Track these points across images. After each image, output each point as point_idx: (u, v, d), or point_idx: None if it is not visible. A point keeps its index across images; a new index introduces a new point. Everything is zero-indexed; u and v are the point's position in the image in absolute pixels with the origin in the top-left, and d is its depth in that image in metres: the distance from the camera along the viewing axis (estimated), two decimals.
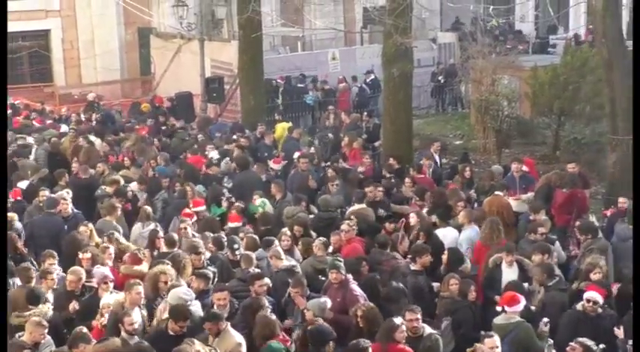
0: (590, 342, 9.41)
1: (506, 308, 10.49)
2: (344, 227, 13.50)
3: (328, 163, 18.80)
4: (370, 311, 10.52)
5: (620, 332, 10.20)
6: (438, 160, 19.12)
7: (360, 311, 10.49)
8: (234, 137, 20.85)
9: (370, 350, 9.41)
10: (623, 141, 17.75)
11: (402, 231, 13.84)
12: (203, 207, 15.13)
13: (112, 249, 12.73)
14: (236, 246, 12.77)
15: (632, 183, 17.66)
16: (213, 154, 18.89)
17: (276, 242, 12.92)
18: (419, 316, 10.18)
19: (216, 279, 11.82)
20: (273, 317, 10.46)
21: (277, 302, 11.51)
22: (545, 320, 10.50)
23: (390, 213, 14.90)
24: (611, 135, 18.14)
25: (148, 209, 14.97)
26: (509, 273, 12.25)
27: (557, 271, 12.05)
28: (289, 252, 13.04)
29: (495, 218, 13.75)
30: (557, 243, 13.39)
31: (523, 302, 10.58)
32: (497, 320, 10.55)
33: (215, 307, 10.79)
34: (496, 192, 15.35)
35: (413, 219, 14.28)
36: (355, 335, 10.44)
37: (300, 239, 13.55)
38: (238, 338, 9.92)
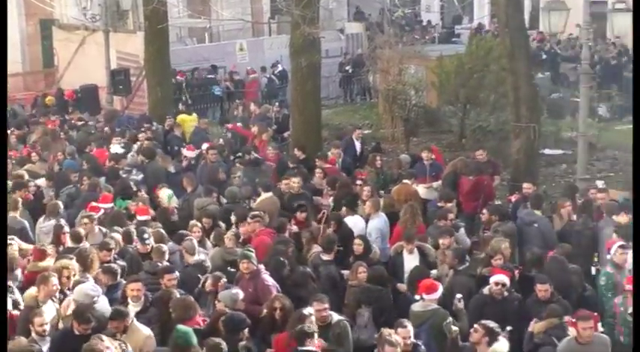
0: (493, 324, 9.56)
1: (424, 295, 10.59)
2: (251, 219, 13.38)
3: (238, 155, 18.72)
4: (287, 303, 10.55)
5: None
6: (359, 147, 19.02)
7: (277, 303, 10.52)
8: (142, 129, 20.60)
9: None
10: (526, 128, 18.15)
11: (323, 223, 13.85)
12: (111, 204, 14.89)
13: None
14: (146, 237, 12.61)
15: (534, 170, 18.22)
16: (116, 148, 18.58)
17: (191, 236, 12.77)
18: (326, 305, 10.20)
19: (124, 273, 11.66)
20: (191, 298, 10.43)
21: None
22: (459, 296, 10.67)
23: (301, 203, 14.94)
24: (515, 123, 18.51)
25: (58, 203, 14.65)
26: (410, 260, 12.44)
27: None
28: (200, 243, 12.99)
29: (414, 203, 13.90)
30: (462, 230, 13.63)
31: (440, 289, 10.68)
32: (415, 307, 10.66)
33: (129, 298, 10.65)
34: (404, 181, 15.54)
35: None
36: (268, 326, 10.50)
37: (212, 230, 13.48)
38: (146, 330, 9.81)
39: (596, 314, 9.96)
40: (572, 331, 9.67)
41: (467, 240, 13.54)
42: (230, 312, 10.15)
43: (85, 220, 13.45)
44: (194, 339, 9.37)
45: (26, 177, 16.13)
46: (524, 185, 15.35)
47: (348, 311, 11.31)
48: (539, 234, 13.31)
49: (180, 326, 9.69)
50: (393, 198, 15.06)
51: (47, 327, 9.76)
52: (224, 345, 9.09)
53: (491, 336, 9.44)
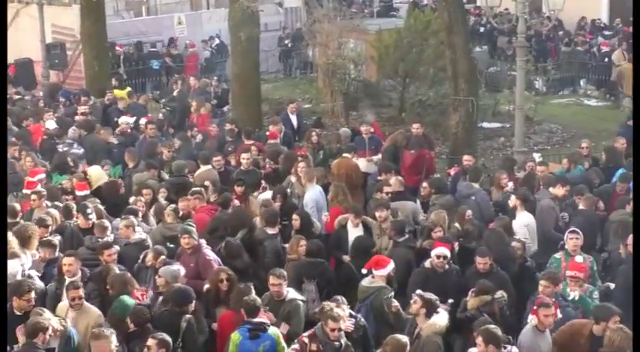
0: (431, 296, 9.63)
1: (373, 270, 10.63)
2: (191, 195, 13.32)
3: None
4: (232, 275, 10.57)
5: None
6: (295, 121, 18.91)
7: (223, 275, 10.52)
8: (80, 103, 20.34)
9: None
10: (464, 101, 18.35)
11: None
12: (43, 175, 14.65)
13: None
14: (89, 212, 12.45)
15: (472, 143, 18.42)
16: (50, 124, 18.28)
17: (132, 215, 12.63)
18: (282, 281, 10.17)
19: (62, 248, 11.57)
20: (129, 274, 10.40)
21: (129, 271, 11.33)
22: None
23: (240, 178, 14.86)
24: (454, 97, 18.70)
25: None
26: (355, 233, 12.52)
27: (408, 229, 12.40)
28: (144, 218, 12.95)
29: (340, 183, 13.93)
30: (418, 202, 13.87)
31: (390, 266, 10.68)
32: (363, 282, 10.70)
33: (65, 273, 10.55)
34: (344, 154, 15.58)
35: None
36: (213, 300, 10.47)
37: (152, 205, 13.38)
38: (96, 310, 9.75)
39: (553, 300, 9.87)
40: (533, 318, 9.51)
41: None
42: (177, 286, 10.13)
43: (34, 197, 13.24)
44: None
45: None
46: (465, 157, 15.49)
47: (291, 286, 11.35)
48: (476, 206, 13.43)
49: (125, 297, 9.81)
50: (333, 172, 15.12)
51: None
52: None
53: (430, 308, 9.52)
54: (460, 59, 18.37)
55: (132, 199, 13.40)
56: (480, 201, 13.57)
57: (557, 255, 11.42)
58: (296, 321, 10.17)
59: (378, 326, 10.37)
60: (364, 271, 10.88)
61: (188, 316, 9.68)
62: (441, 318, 9.50)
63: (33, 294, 9.72)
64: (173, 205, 13.07)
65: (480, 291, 10.26)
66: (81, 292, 9.69)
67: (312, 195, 13.97)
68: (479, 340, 8.80)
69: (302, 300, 10.48)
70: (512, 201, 13.01)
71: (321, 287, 11.28)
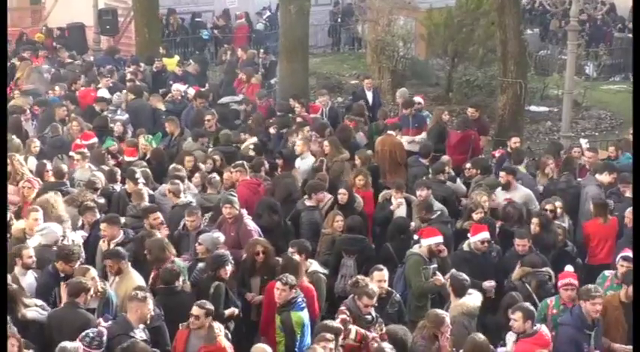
0: (463, 276, 9.65)
1: (422, 240, 10.68)
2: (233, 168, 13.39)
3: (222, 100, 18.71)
4: (269, 247, 10.67)
5: None
6: (370, 97, 18.66)
7: (259, 247, 10.61)
8: (131, 69, 20.53)
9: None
10: (513, 83, 18.21)
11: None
12: (95, 140, 14.85)
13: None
14: (138, 177, 12.56)
15: (518, 126, 18.30)
16: (103, 92, 18.46)
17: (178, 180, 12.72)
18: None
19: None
20: (166, 240, 10.55)
21: (171, 237, 11.49)
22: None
23: (280, 151, 14.97)
24: (502, 78, 18.56)
25: (35, 142, 14.60)
26: (398, 209, 12.55)
27: (438, 206, 12.38)
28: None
29: (362, 167, 13.81)
30: (459, 180, 13.86)
31: (435, 239, 10.67)
32: (412, 247, 10.82)
33: (103, 238, 10.76)
34: (388, 132, 15.55)
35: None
36: (249, 270, 10.60)
37: (194, 173, 13.50)
38: (139, 280, 9.87)
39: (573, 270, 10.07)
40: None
41: (463, 187, 13.79)
42: (215, 252, 10.29)
43: (78, 156, 13.42)
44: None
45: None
46: (513, 139, 15.36)
47: (331, 260, 11.43)
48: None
49: (178, 260, 10.20)
50: (377, 149, 15.13)
51: (34, 260, 9.82)
52: None
53: (459, 288, 9.55)
54: (510, 40, 18.21)
55: (171, 167, 13.48)
56: (525, 186, 13.34)
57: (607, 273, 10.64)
58: (318, 294, 10.26)
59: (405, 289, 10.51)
60: (415, 237, 11.01)
61: (217, 283, 9.81)
62: (472, 299, 9.51)
63: (78, 263, 9.90)
64: (214, 175, 13.16)
65: (526, 263, 10.34)
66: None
67: (304, 164, 14.10)
68: (517, 315, 8.93)
69: (323, 273, 10.63)
70: (503, 176, 13.02)
71: (360, 264, 11.33)
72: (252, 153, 14.40)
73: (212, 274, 9.94)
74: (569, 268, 10.07)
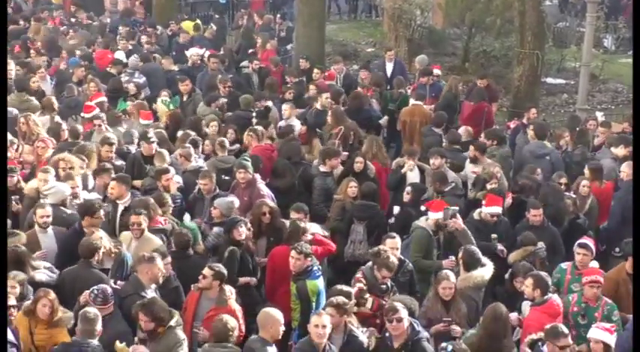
0: (473, 249, 9.69)
1: (429, 212, 10.66)
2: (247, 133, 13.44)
3: (242, 64, 18.67)
4: (275, 208, 10.73)
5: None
6: (390, 69, 18.39)
7: (265, 208, 10.67)
8: (146, 32, 20.53)
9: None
10: (530, 55, 18.12)
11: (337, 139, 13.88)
12: (103, 99, 14.89)
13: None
14: (151, 137, 12.61)
15: (534, 98, 18.22)
16: (120, 55, 18.48)
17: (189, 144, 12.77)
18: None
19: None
20: (152, 200, 10.54)
21: (185, 201, 11.57)
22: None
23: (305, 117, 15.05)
24: (519, 49, 18.47)
25: (52, 99, 14.65)
26: (411, 176, 12.60)
27: (453, 178, 12.38)
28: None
29: (376, 136, 13.94)
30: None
31: (442, 214, 10.61)
32: (418, 220, 10.79)
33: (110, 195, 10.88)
34: (414, 102, 15.49)
35: None
36: (255, 231, 10.62)
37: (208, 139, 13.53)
38: (158, 241, 9.94)
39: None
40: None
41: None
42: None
43: (97, 121, 13.44)
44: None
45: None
46: (532, 111, 15.33)
47: (342, 226, 11.46)
48: (550, 166, 13.22)
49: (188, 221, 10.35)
50: (404, 120, 15.12)
51: (48, 219, 9.90)
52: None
53: (470, 260, 9.55)
54: (529, 11, 18.12)
55: (180, 133, 13.48)
56: (554, 161, 13.35)
57: (565, 266, 10.03)
58: None
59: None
60: (423, 209, 10.98)
61: (231, 247, 9.88)
62: (481, 272, 9.54)
63: (102, 212, 10.04)
64: (222, 138, 13.19)
65: (525, 243, 10.35)
66: (141, 219, 9.86)
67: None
68: (527, 282, 9.05)
69: (323, 235, 10.64)
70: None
71: (370, 230, 11.39)
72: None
73: (227, 237, 10.00)
74: (594, 264, 9.63)
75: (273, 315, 8.19)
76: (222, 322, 8.02)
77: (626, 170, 12.15)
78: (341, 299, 8.44)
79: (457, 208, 10.64)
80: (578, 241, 10.02)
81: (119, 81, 16.20)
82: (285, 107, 14.66)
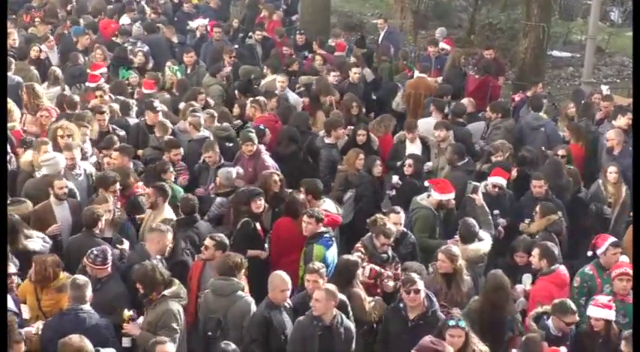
0: (471, 221, 9.71)
1: (432, 191, 10.59)
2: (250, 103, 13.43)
3: (250, 34, 18.65)
4: (281, 178, 10.79)
5: None
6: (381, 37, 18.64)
7: (275, 176, 10.73)
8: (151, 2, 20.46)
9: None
10: (536, 27, 18.04)
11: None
12: (105, 69, 14.89)
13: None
14: (157, 107, 12.61)
15: (540, 71, 18.16)
16: (124, 19, 18.44)
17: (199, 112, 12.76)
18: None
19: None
20: (132, 168, 10.74)
21: (189, 170, 11.60)
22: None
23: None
24: (525, 22, 18.39)
25: (57, 71, 14.64)
26: (412, 148, 12.57)
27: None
28: None
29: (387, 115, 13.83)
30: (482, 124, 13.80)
31: (449, 196, 10.59)
32: (418, 197, 10.76)
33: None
34: (419, 74, 15.45)
35: None
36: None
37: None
38: (169, 214, 9.97)
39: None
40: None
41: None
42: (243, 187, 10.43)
43: (99, 92, 13.39)
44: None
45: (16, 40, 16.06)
46: (539, 85, 15.32)
47: (337, 195, 11.53)
48: (545, 137, 13.19)
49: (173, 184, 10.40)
50: (409, 92, 15.06)
51: (66, 190, 9.90)
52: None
53: (466, 234, 9.60)
54: None
55: (181, 105, 13.47)
56: (549, 133, 13.31)
57: (589, 270, 9.37)
58: None
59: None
60: (426, 184, 10.98)
61: (245, 219, 9.91)
62: (477, 245, 9.57)
63: (118, 186, 10.08)
64: (211, 111, 13.13)
65: (546, 212, 10.29)
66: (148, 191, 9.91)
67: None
68: (534, 252, 9.11)
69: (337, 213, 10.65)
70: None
71: (358, 197, 11.46)
72: None
73: (244, 209, 10.02)
74: (624, 258, 9.23)
75: (283, 277, 8.25)
76: (228, 259, 8.40)
77: (612, 136, 12.17)
78: (319, 264, 8.53)
79: (479, 184, 10.59)
80: (611, 241, 9.36)
81: (124, 49, 16.17)
82: (280, 79, 14.56)
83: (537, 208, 10.35)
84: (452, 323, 7.58)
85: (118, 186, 10.10)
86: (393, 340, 7.65)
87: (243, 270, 8.60)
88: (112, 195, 9.84)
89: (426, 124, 13.13)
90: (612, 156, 12.14)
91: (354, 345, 8.16)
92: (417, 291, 8.11)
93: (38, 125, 12.36)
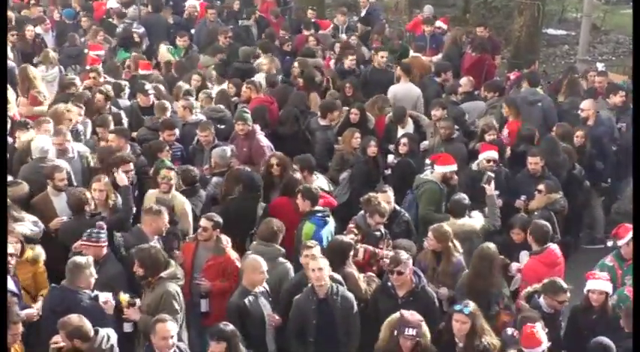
0: (461, 196, 9.83)
1: (435, 166, 10.65)
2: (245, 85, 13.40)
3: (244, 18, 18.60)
4: (283, 158, 10.78)
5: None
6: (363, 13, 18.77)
7: (274, 159, 10.73)
8: None
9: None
10: (530, 5, 18.00)
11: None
12: (102, 51, 14.89)
13: None
14: (148, 89, 12.60)
15: (535, 49, 18.11)
16: (112, 3, 18.38)
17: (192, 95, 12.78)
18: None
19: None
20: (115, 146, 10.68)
21: (186, 151, 11.62)
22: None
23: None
24: (520, 0, 18.34)
25: (51, 53, 14.60)
26: (405, 128, 12.58)
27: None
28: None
29: (382, 95, 13.68)
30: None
31: (452, 168, 10.62)
32: (422, 174, 10.83)
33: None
34: (414, 54, 15.41)
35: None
36: (266, 184, 10.63)
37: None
38: (181, 197, 9.94)
39: None
40: None
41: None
42: (246, 171, 10.38)
43: (93, 74, 13.36)
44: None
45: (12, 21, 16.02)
46: (535, 65, 15.30)
47: (333, 174, 11.56)
48: (541, 113, 13.15)
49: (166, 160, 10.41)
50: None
51: (66, 182, 9.81)
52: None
53: (457, 209, 9.69)
54: None
55: (178, 83, 13.45)
56: (545, 108, 13.25)
57: (610, 262, 9.17)
58: None
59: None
60: (428, 162, 11.02)
61: (263, 204, 10.02)
62: (466, 221, 9.64)
63: (132, 165, 10.09)
64: (209, 91, 13.20)
65: (551, 190, 10.32)
66: (171, 174, 9.85)
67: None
68: (530, 238, 9.14)
69: (327, 191, 10.74)
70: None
71: (352, 178, 11.49)
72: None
73: (250, 195, 10.06)
74: None
75: (248, 263, 8.27)
76: (270, 224, 8.81)
77: (587, 106, 12.40)
78: (312, 241, 8.67)
79: (492, 175, 10.58)
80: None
81: (129, 31, 16.16)
82: (263, 61, 14.52)
83: (542, 186, 10.37)
84: (457, 308, 7.66)
85: (132, 166, 10.06)
86: (384, 318, 7.68)
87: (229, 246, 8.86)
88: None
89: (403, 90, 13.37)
90: (588, 127, 12.21)
91: (355, 314, 8.13)
92: (400, 273, 8.13)
93: (27, 107, 12.31)
